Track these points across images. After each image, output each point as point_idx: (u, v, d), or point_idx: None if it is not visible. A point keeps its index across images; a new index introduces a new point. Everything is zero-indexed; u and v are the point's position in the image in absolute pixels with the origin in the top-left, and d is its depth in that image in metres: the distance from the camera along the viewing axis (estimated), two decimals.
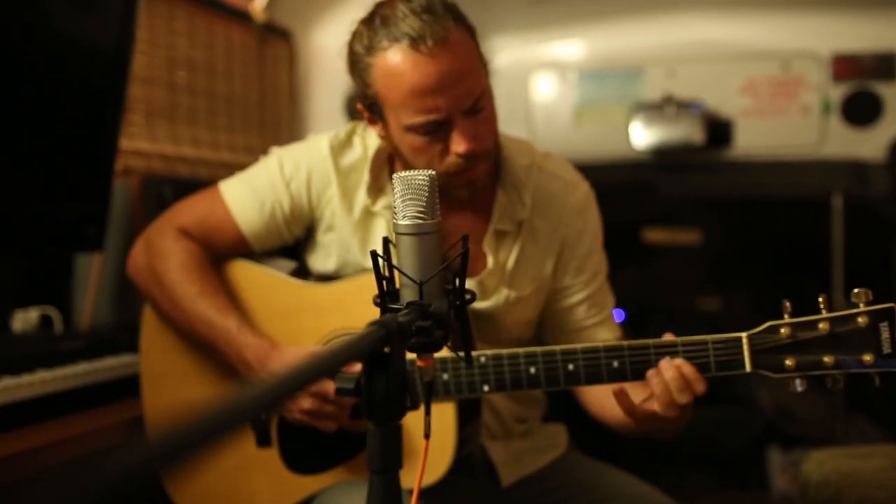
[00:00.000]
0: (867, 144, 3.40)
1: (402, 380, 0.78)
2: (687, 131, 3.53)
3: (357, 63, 1.45)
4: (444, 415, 1.40)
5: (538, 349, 1.36)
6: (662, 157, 3.58)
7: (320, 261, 1.63)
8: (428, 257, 1.13)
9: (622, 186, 3.69)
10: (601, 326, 1.61)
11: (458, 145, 1.40)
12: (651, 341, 1.31)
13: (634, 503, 1.51)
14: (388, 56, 1.38)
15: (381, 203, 1.55)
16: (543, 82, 3.65)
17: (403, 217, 1.12)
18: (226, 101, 2.76)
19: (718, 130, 3.55)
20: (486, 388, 1.38)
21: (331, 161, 1.58)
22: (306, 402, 1.42)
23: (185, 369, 1.58)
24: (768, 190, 3.60)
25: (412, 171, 1.12)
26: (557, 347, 1.35)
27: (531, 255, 1.58)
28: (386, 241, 1.17)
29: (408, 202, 1.11)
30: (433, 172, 1.13)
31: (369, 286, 1.47)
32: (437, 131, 1.41)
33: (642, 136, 3.53)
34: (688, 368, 1.27)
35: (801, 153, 3.50)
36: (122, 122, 2.08)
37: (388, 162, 1.59)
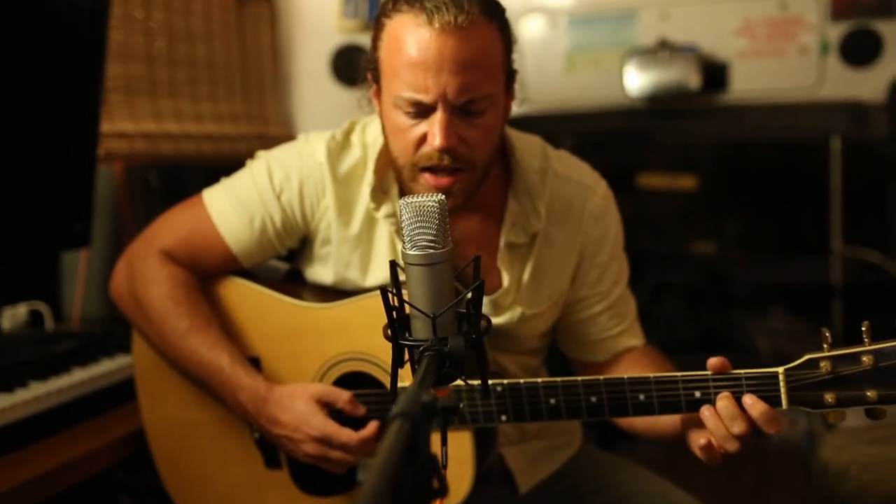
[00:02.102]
0: (866, 85, 3.33)
1: (432, 466, 0.73)
2: (682, 76, 3.45)
3: (377, 21, 1.36)
4: (461, 443, 1.35)
5: (558, 380, 1.29)
6: (657, 102, 3.50)
7: (316, 272, 1.55)
8: (440, 288, 1.06)
9: (616, 133, 3.62)
10: (623, 336, 1.54)
11: (433, 136, 1.29)
12: (679, 374, 1.25)
13: (651, 500, 1.48)
14: (400, 21, 1.29)
15: (384, 209, 1.45)
16: (532, 28, 3.53)
17: (413, 246, 1.05)
18: (207, 69, 2.65)
19: (714, 74, 3.46)
20: (503, 417, 1.33)
21: (327, 168, 1.47)
22: (310, 448, 1.36)
23: (182, 389, 1.52)
24: (765, 134, 3.54)
25: (421, 197, 1.05)
26: (579, 379, 1.29)
27: (548, 268, 1.49)
28: (393, 265, 1.10)
29: (417, 230, 1.05)
30: (443, 197, 1.06)
31: (370, 309, 1.42)
32: (422, 115, 1.31)
33: (636, 81, 3.45)
34: (752, 402, 1.20)
35: (798, 95, 3.43)
36: (101, 107, 1.98)
37: (392, 161, 1.49)
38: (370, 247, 1.49)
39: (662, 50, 3.47)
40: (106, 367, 1.74)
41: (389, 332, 1.08)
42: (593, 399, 1.28)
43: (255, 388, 1.39)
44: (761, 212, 3.81)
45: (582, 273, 1.50)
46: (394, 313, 1.08)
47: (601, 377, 1.28)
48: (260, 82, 2.92)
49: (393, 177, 1.47)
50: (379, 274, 1.48)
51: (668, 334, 3.65)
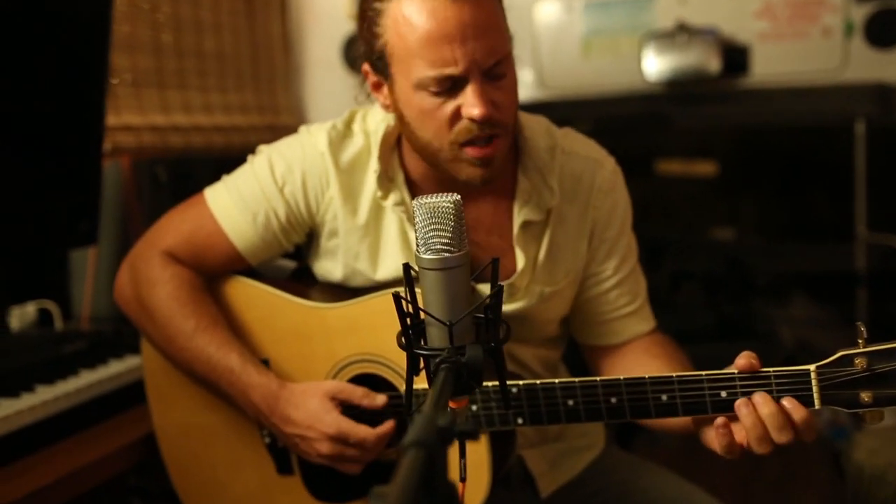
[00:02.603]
0: (892, 67, 3.24)
1: (450, 495, 0.68)
2: (701, 60, 3.38)
3: (367, 9, 1.30)
4: (477, 448, 1.30)
5: (576, 380, 1.24)
6: (676, 87, 3.43)
7: (325, 267, 1.50)
8: (456, 293, 1.01)
9: (634, 119, 3.56)
10: (634, 317, 1.49)
11: (473, 107, 1.24)
12: (704, 373, 1.19)
13: None
14: (403, 0, 1.25)
15: (392, 198, 1.40)
16: (547, 13, 3.46)
17: (427, 250, 1.00)
18: (216, 59, 2.60)
19: (734, 57, 3.38)
20: (520, 420, 1.28)
21: (329, 158, 1.42)
22: (325, 447, 1.32)
23: (193, 393, 1.48)
24: (787, 118, 3.46)
25: (435, 197, 0.99)
26: (598, 379, 1.23)
27: (562, 244, 1.45)
28: (407, 268, 1.05)
29: (432, 232, 0.99)
30: (459, 197, 1.00)
31: (379, 309, 1.38)
32: (451, 90, 1.25)
33: (654, 66, 3.38)
34: (792, 406, 1.15)
35: (822, 78, 3.34)
36: (106, 100, 1.93)
37: (396, 147, 1.44)
38: (378, 236, 1.45)
39: (681, 33, 3.40)
40: (114, 369, 1.70)
41: (403, 339, 1.03)
42: (613, 400, 1.22)
43: (266, 385, 1.35)
44: (783, 198, 3.74)
45: (593, 248, 1.47)
46: (407, 320, 1.03)
47: (621, 377, 1.22)
48: (270, 72, 2.87)
49: (398, 164, 1.42)
50: (390, 264, 1.43)
51: (687, 322, 3.60)
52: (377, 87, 1.36)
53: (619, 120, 3.55)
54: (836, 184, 3.46)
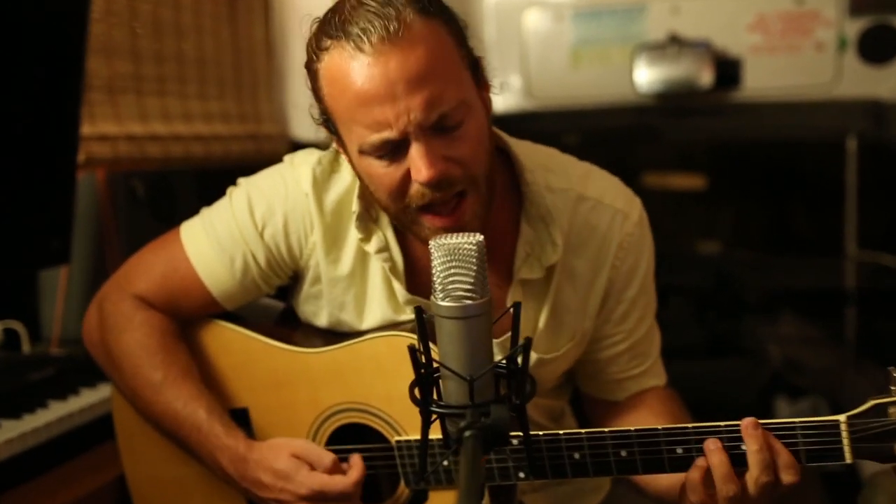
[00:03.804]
0: (885, 83, 3.20)
1: None
2: (693, 72, 3.32)
3: (309, 69, 1.19)
4: None
5: (582, 431, 1.15)
6: (666, 100, 3.37)
7: (309, 311, 1.39)
8: (477, 344, 0.92)
9: (623, 131, 3.49)
10: (644, 376, 1.40)
11: (418, 171, 1.11)
12: (723, 424, 1.11)
13: None
14: (330, 60, 1.12)
15: (375, 243, 1.29)
16: (536, 21, 3.38)
17: (445, 296, 0.90)
18: (196, 65, 2.48)
19: (726, 71, 3.33)
20: (521, 475, 1.18)
21: (313, 200, 1.30)
22: None
23: (163, 443, 1.37)
24: (778, 132, 3.41)
25: (455, 237, 0.90)
26: (607, 430, 1.14)
27: (568, 305, 1.33)
28: (419, 312, 0.95)
29: (451, 277, 0.90)
30: (482, 238, 0.91)
31: (369, 354, 1.28)
32: (394, 154, 1.13)
33: (645, 78, 3.32)
34: (779, 449, 1.07)
35: (814, 93, 3.30)
36: (82, 107, 1.82)
37: (384, 210, 1.33)
38: (364, 286, 1.33)
39: (672, 45, 3.35)
40: (86, 400, 1.60)
41: (418, 395, 0.93)
42: (623, 453, 1.14)
43: (234, 448, 1.25)
44: (771, 213, 3.70)
45: (607, 309, 1.35)
46: (421, 370, 0.93)
47: (632, 428, 1.13)
48: (253, 79, 2.75)
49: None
50: (376, 316, 1.32)
51: (675, 339, 3.55)
52: (338, 143, 1.25)
53: (607, 132, 3.48)
54: (827, 200, 3.42)
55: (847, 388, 3.34)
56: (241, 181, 1.38)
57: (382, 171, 1.15)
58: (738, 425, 1.10)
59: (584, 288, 1.33)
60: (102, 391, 1.63)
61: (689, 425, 1.12)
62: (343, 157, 1.33)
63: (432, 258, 0.90)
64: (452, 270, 0.90)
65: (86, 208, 1.91)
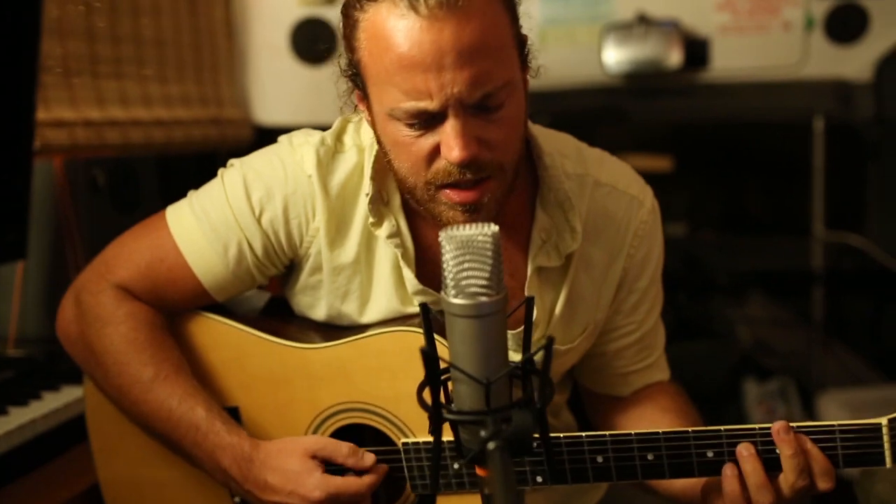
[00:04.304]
0: (852, 63, 3.20)
1: None
2: (661, 53, 3.28)
3: (347, 16, 1.11)
4: None
5: (606, 434, 1.09)
6: (635, 80, 3.33)
7: (305, 303, 1.31)
8: (493, 344, 0.85)
9: (591, 112, 3.45)
10: (650, 370, 1.36)
11: (450, 149, 1.05)
12: (757, 426, 1.06)
13: None
14: (377, 12, 1.04)
15: (386, 228, 1.21)
16: None
17: (458, 293, 0.83)
18: (155, 46, 2.37)
19: (694, 50, 3.29)
20: (539, 479, 1.12)
21: (317, 181, 1.22)
22: None
23: (145, 442, 1.28)
24: (745, 113, 3.40)
25: (468, 228, 0.83)
26: (633, 433, 1.09)
27: (584, 295, 1.28)
28: (426, 310, 0.88)
29: (465, 272, 0.83)
30: (497, 229, 0.84)
31: (374, 350, 1.20)
32: (428, 124, 1.07)
33: (613, 58, 3.27)
34: (815, 453, 1.03)
35: (781, 73, 3.28)
36: (37, 91, 1.70)
37: (399, 181, 1.25)
38: (370, 274, 1.25)
39: (640, 25, 3.30)
40: (50, 405, 1.50)
41: (429, 401, 0.86)
42: (650, 457, 1.08)
43: (238, 447, 1.16)
44: (740, 194, 3.70)
45: (619, 299, 1.30)
46: (434, 374, 0.86)
47: (660, 430, 1.08)
48: (213, 61, 2.64)
49: (394, 185, 1.23)
50: (378, 309, 1.25)
51: None
52: (360, 100, 1.17)
53: (576, 114, 3.43)
54: (794, 180, 3.42)
55: (815, 368, 3.36)
56: (235, 162, 1.29)
57: (409, 140, 1.08)
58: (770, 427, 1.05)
59: (600, 277, 1.27)
60: (67, 395, 1.53)
61: (721, 427, 1.07)
62: (347, 137, 1.26)
63: (443, 251, 0.83)
64: (466, 265, 0.82)
65: (43, 199, 1.80)
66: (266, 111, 2.80)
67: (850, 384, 3.22)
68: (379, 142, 1.16)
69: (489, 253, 0.83)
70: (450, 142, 1.05)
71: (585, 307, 1.28)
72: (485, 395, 0.83)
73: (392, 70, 1.04)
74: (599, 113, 3.45)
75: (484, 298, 0.82)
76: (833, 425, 1.04)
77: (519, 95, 1.11)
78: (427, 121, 1.06)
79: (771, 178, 3.55)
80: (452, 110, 1.04)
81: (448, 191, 1.10)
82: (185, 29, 2.50)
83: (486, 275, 0.82)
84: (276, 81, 2.81)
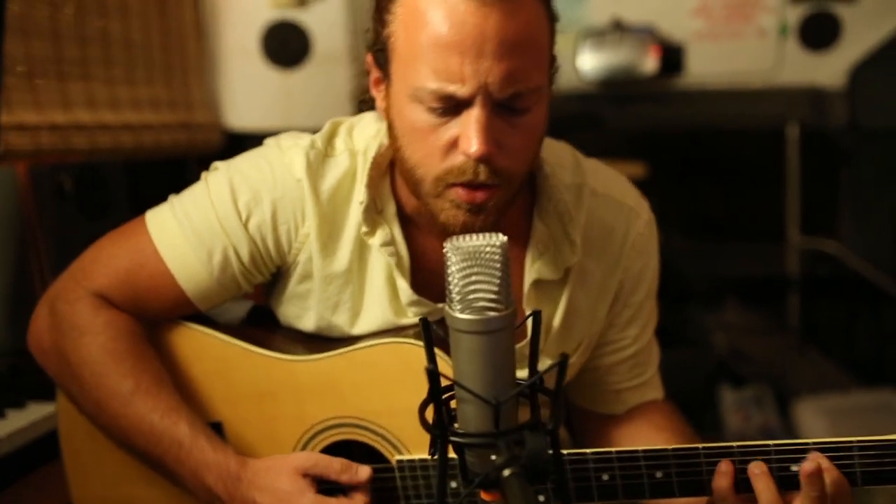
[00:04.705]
0: (825, 69, 3.21)
1: None
2: (636, 59, 3.28)
3: None
4: None
5: (612, 451, 1.05)
6: (609, 87, 3.31)
7: (292, 313, 1.25)
8: (501, 362, 0.80)
9: (565, 119, 3.41)
10: (644, 388, 1.31)
11: (469, 142, 1.00)
12: (772, 443, 1.02)
13: None
14: None
15: (380, 236, 1.16)
16: None
17: (465, 308, 0.77)
18: (123, 47, 2.28)
19: (669, 57, 3.29)
20: (541, 498, 1.07)
21: (307, 186, 1.16)
22: None
23: (123, 459, 1.20)
24: (720, 120, 3.40)
25: (475, 239, 0.77)
26: (640, 449, 1.04)
27: (581, 310, 1.23)
28: (427, 325, 0.83)
29: (472, 286, 0.77)
30: (505, 239, 0.79)
31: (368, 363, 1.14)
32: (451, 112, 1.02)
33: (588, 64, 3.26)
34: (833, 475, 0.98)
35: (756, 80, 3.29)
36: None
37: (388, 171, 1.20)
38: (362, 284, 1.19)
39: (615, 31, 3.29)
40: (14, 424, 1.41)
41: (432, 422, 0.81)
42: (659, 475, 1.03)
43: (224, 465, 1.10)
44: (715, 201, 3.70)
45: (614, 313, 1.26)
46: (439, 394, 0.80)
47: (669, 447, 1.03)
48: (183, 63, 2.56)
49: (389, 193, 1.18)
50: (370, 320, 1.19)
51: None
52: (377, 83, 1.12)
53: (552, 120, 3.40)
54: (769, 187, 3.42)
55: (791, 375, 3.36)
56: (220, 165, 1.22)
57: (427, 128, 1.03)
58: (787, 445, 1.01)
59: (596, 290, 1.23)
60: (34, 412, 1.45)
61: (734, 444, 1.02)
62: (338, 141, 1.20)
63: (447, 263, 0.78)
64: (473, 278, 0.77)
65: (6, 206, 1.71)
66: (237, 115, 2.72)
67: (826, 390, 3.21)
68: (390, 128, 1.11)
69: (498, 265, 0.77)
70: (471, 134, 1.00)
71: (581, 321, 1.23)
72: (493, 417, 0.78)
73: (427, 47, 1.00)
74: (574, 119, 3.42)
75: (492, 313, 0.77)
76: (851, 442, 1.00)
77: (543, 107, 1.07)
78: (450, 108, 1.02)
79: (745, 184, 3.55)
80: (480, 101, 1.00)
81: (458, 188, 1.05)
82: (153, 30, 2.43)
83: (495, 288, 0.77)
84: (246, 85, 2.74)
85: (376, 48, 1.08)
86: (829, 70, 3.21)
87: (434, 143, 1.03)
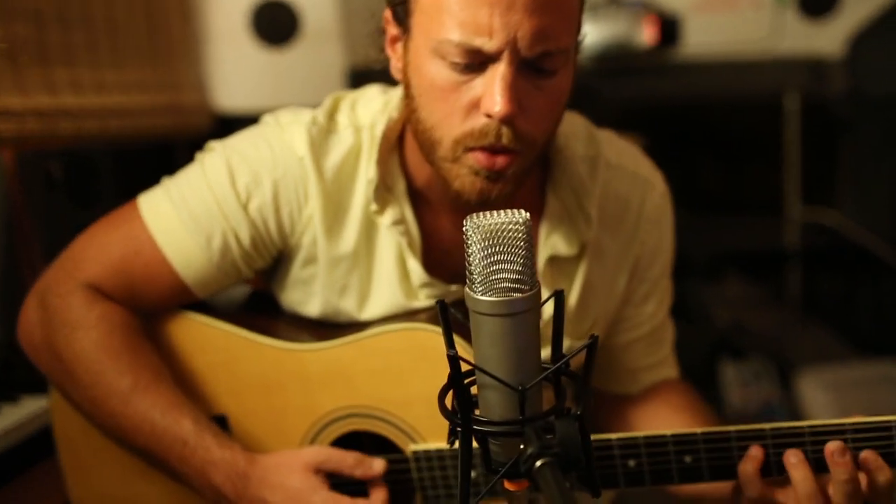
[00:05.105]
0: (824, 38, 3.15)
1: None
2: (631, 32, 3.22)
3: None
4: None
5: (639, 435, 1.00)
6: (605, 61, 3.25)
7: (295, 298, 1.20)
8: (526, 345, 0.75)
9: None
10: (659, 367, 1.29)
11: (492, 102, 0.95)
12: (806, 425, 0.97)
13: None
14: None
15: (390, 214, 1.11)
16: None
17: (487, 290, 0.73)
18: (107, 30, 2.22)
19: (665, 29, 3.23)
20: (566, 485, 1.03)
21: (311, 164, 1.11)
22: None
23: (120, 458, 1.16)
24: (719, 91, 3.35)
25: (496, 216, 0.73)
26: (668, 433, 1.00)
27: (596, 287, 1.19)
28: (444, 307, 0.78)
29: (495, 266, 0.73)
30: (528, 216, 0.74)
31: (379, 351, 1.09)
32: (475, 69, 0.97)
33: (583, 39, 3.19)
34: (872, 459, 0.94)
35: (755, 50, 3.23)
36: None
37: (397, 147, 1.15)
38: (370, 266, 1.14)
39: (610, 4, 3.23)
40: (10, 419, 1.36)
41: (455, 410, 0.76)
42: (688, 459, 0.99)
43: (231, 462, 1.05)
44: (713, 173, 3.66)
45: (630, 289, 1.22)
46: (461, 381, 0.76)
47: (698, 430, 0.99)
48: (170, 44, 2.49)
49: (398, 169, 1.13)
50: (379, 304, 1.14)
51: None
52: (393, 42, 1.07)
53: None
54: (769, 159, 3.39)
55: (792, 348, 3.34)
56: (215, 144, 1.17)
57: (449, 85, 0.97)
58: (821, 426, 0.97)
59: (612, 266, 1.19)
60: (28, 406, 1.41)
61: (767, 426, 0.98)
62: (341, 116, 1.14)
63: (467, 242, 0.73)
64: (496, 257, 0.72)
65: None
66: (226, 96, 2.65)
67: (828, 362, 3.19)
68: (406, 88, 1.05)
69: (522, 243, 0.73)
70: (495, 92, 0.95)
71: (597, 299, 1.19)
72: (519, 403, 0.73)
73: None
74: (571, 94, 3.36)
75: (516, 294, 0.73)
76: (890, 422, 0.95)
77: (569, 72, 1.03)
78: (475, 65, 0.97)
79: (744, 156, 3.51)
80: (508, 57, 0.95)
81: (478, 153, 1.00)
82: (138, 10, 2.36)
83: (519, 268, 0.73)
84: (235, 65, 2.67)
85: (396, 2, 1.02)
86: (829, 39, 3.16)
87: (455, 102, 0.98)
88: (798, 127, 3.25)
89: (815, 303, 3.41)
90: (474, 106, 0.98)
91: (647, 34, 3.17)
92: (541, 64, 0.97)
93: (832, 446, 0.94)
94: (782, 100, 3.25)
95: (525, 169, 1.04)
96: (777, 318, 3.46)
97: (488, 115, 0.97)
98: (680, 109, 3.52)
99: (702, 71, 3.29)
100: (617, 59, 3.22)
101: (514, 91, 0.95)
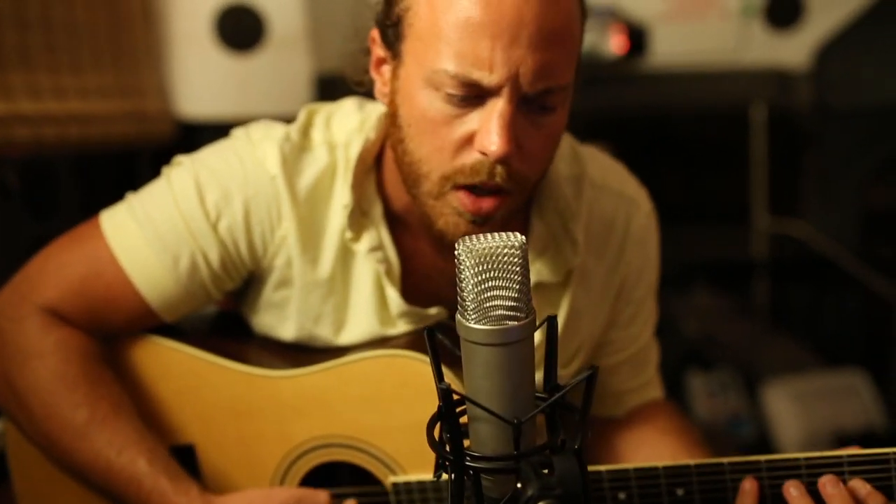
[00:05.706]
0: (790, 50, 3.18)
1: None
2: (598, 40, 3.21)
3: None
4: None
5: (629, 467, 0.97)
6: None
7: (267, 323, 1.15)
8: (521, 377, 0.71)
9: None
10: (645, 388, 1.26)
11: (489, 140, 0.91)
12: (802, 455, 0.95)
13: None
14: None
15: (366, 241, 1.06)
16: None
17: (481, 317, 0.69)
18: (67, 32, 2.15)
19: (634, 38, 3.23)
20: None
21: (283, 183, 1.06)
22: None
23: (76, 489, 1.10)
24: (685, 102, 3.36)
25: (490, 239, 0.69)
26: (660, 465, 0.96)
27: (582, 312, 1.16)
28: (432, 334, 0.74)
29: (489, 292, 0.69)
30: (524, 239, 0.70)
31: (357, 378, 1.04)
32: (472, 103, 0.93)
33: None
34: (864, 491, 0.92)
35: (721, 60, 3.25)
36: None
37: (374, 168, 1.10)
38: (346, 293, 1.09)
39: None
40: None
41: (447, 446, 0.72)
42: (680, 492, 0.96)
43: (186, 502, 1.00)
44: (680, 183, 3.66)
45: (615, 311, 1.19)
46: (452, 412, 0.72)
47: (691, 462, 0.96)
48: (132, 48, 2.42)
49: (375, 192, 1.08)
50: (356, 331, 1.09)
51: None
52: (379, 64, 1.02)
53: None
54: (735, 169, 3.40)
55: (760, 358, 3.35)
56: (183, 159, 1.11)
57: (441, 118, 0.93)
58: (818, 458, 0.94)
59: (598, 290, 1.15)
60: None
61: (762, 458, 0.95)
62: (315, 132, 1.09)
63: (460, 268, 0.69)
64: (490, 283, 0.68)
65: None
66: (190, 103, 2.58)
67: (795, 372, 3.20)
68: (393, 116, 1.00)
69: (517, 268, 0.69)
70: (492, 129, 0.91)
71: (583, 324, 1.16)
72: (514, 437, 0.69)
73: (454, 25, 0.90)
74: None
75: (512, 322, 0.69)
76: (888, 454, 0.93)
77: (567, 109, 0.99)
78: (471, 98, 0.93)
79: (711, 166, 3.53)
80: (508, 93, 0.91)
81: (464, 193, 0.95)
82: (100, 13, 2.29)
83: (515, 294, 0.69)
84: (199, 71, 2.61)
85: (386, 24, 0.97)
86: (795, 50, 3.18)
87: (447, 136, 0.93)
88: (764, 137, 3.27)
89: (782, 313, 3.42)
90: (467, 141, 0.94)
91: (614, 43, 3.17)
92: (543, 101, 0.93)
93: (825, 480, 0.92)
94: (749, 110, 3.27)
95: (511, 210, 1.00)
96: (744, 329, 3.48)
97: (483, 153, 0.93)
98: (647, 119, 3.52)
99: (669, 81, 3.30)
100: (584, 67, 3.21)
101: (513, 129, 0.91)
